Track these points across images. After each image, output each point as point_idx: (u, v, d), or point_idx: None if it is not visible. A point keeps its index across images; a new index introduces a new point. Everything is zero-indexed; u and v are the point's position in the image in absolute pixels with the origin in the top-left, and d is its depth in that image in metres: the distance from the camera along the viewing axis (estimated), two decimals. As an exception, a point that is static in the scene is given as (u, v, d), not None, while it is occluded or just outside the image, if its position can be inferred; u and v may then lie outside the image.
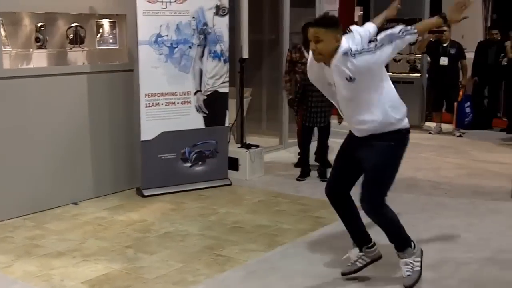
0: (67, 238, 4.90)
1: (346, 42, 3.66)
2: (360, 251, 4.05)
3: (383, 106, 3.70)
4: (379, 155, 3.76)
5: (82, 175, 5.93)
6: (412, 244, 3.98)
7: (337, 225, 5.19)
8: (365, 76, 3.60)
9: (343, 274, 4.06)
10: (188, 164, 6.34)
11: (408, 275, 3.92)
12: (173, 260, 4.40)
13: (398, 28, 3.66)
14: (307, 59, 6.96)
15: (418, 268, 3.95)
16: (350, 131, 3.96)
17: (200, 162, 6.40)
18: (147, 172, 6.10)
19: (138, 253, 4.56)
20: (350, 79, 3.59)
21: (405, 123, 3.82)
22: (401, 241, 3.96)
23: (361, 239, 4.06)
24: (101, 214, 5.55)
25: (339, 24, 3.73)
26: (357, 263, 4.04)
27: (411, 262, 3.93)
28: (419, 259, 3.97)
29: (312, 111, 6.67)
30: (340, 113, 3.98)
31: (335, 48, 3.65)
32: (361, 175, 3.88)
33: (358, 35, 3.81)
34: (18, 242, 4.80)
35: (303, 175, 6.83)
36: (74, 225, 5.23)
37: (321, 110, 6.65)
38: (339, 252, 4.55)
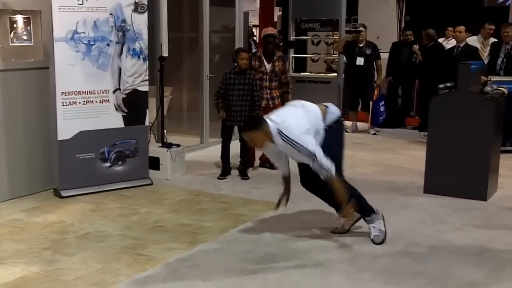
0: (-20, 241, 4.74)
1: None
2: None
3: None
4: None
5: (-4, 176, 5.75)
6: (375, 210, 4.82)
7: (256, 222, 5.30)
8: None
9: (333, 232, 4.95)
10: (108, 164, 6.26)
11: (376, 235, 4.76)
12: (92, 261, 4.34)
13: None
14: (266, 68, 7.11)
15: (383, 228, 4.79)
16: None
17: (120, 162, 6.33)
18: (64, 172, 5.97)
19: (56, 254, 4.46)
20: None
21: None
22: (366, 210, 4.79)
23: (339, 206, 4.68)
24: (17, 216, 5.39)
25: (261, 122, 4.35)
26: (345, 226, 4.95)
27: (376, 225, 4.78)
28: (381, 220, 4.82)
29: (232, 109, 6.73)
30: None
31: (269, 137, 4.32)
32: None
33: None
34: None
35: (224, 174, 6.88)
36: (-12, 228, 5.07)
37: (241, 109, 6.72)
38: (259, 247, 4.65)
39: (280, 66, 7.17)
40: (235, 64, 6.78)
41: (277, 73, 7.15)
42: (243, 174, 6.85)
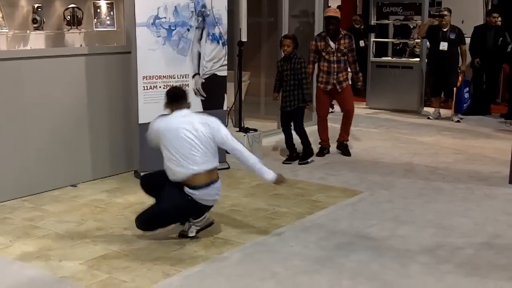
0: (65, 219, 4.91)
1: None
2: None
3: None
4: None
5: (80, 157, 5.94)
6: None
7: (333, 209, 5.23)
8: None
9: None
10: (186, 147, 6.32)
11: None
12: (171, 242, 4.41)
13: None
14: (331, 48, 6.99)
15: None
16: None
17: (198, 145, 6.38)
18: (145, 155, 6.09)
19: (136, 234, 4.57)
20: None
21: None
22: None
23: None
24: (99, 196, 5.56)
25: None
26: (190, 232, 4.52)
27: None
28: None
29: (283, 95, 6.79)
30: None
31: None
32: None
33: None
34: (16, 223, 4.81)
35: (290, 159, 6.85)
36: (72, 207, 5.24)
37: (288, 94, 6.73)
38: (336, 235, 4.59)
39: (346, 43, 7.05)
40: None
41: (343, 52, 7.02)
42: (299, 158, 6.84)
